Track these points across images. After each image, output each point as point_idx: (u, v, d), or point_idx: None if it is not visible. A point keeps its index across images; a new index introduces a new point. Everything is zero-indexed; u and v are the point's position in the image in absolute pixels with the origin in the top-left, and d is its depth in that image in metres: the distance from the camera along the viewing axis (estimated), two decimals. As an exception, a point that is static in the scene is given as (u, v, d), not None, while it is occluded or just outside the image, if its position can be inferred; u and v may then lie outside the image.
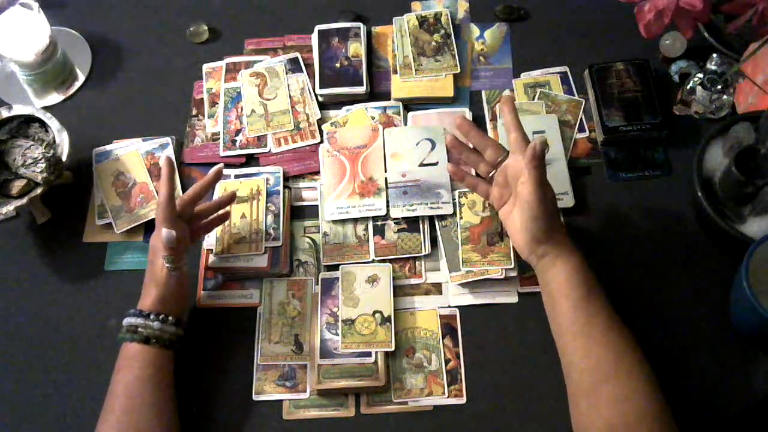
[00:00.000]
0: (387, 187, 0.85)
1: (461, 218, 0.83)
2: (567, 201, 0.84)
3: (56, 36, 0.98)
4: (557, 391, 0.70)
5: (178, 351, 0.75)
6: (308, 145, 0.90)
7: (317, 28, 0.96)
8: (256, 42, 0.99)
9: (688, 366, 0.76)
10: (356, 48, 0.95)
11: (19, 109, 0.86)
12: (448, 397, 0.76)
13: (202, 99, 0.94)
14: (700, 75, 0.85)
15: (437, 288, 0.82)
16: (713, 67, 0.86)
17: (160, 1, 1.04)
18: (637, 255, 0.82)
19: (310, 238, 0.85)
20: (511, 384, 0.76)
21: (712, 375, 0.75)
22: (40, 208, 0.86)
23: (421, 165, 0.86)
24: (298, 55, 0.95)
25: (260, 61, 0.96)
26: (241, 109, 0.92)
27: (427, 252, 0.82)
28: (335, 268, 0.82)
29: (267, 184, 0.86)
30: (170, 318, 0.73)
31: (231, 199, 0.83)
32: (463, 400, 0.76)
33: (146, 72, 0.98)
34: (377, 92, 0.94)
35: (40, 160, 0.81)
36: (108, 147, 0.91)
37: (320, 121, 0.91)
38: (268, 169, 0.88)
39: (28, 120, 0.86)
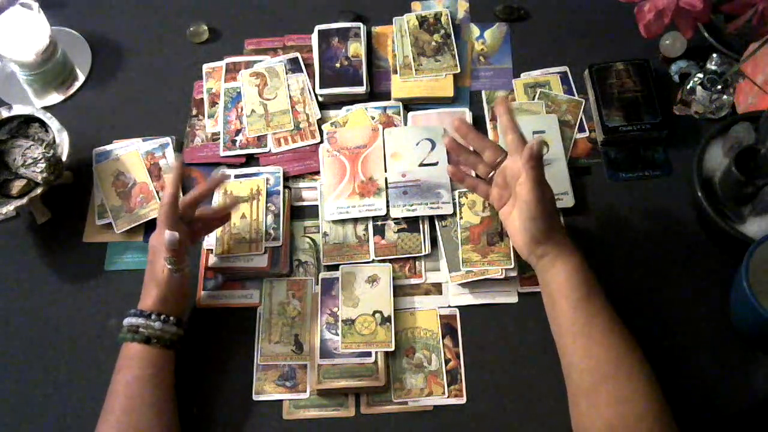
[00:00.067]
0: (387, 187, 0.85)
1: (461, 218, 0.83)
2: (567, 201, 0.84)
3: (56, 36, 0.98)
4: (557, 391, 0.70)
5: (178, 351, 0.75)
6: (308, 145, 0.90)
7: (317, 28, 0.96)
8: (256, 42, 0.99)
9: (688, 366, 0.76)
10: (356, 48, 0.95)
11: (19, 109, 0.86)
12: (448, 397, 0.76)
13: (202, 99, 0.94)
14: (700, 75, 0.85)
15: (437, 288, 0.82)
16: (713, 67, 0.86)
17: (160, 1, 1.04)
18: (637, 255, 0.82)
19: (310, 238, 0.85)
20: (511, 384, 0.76)
21: (712, 375, 0.75)
22: (40, 208, 0.86)
23: (421, 165, 0.86)
24: (298, 55, 0.95)
25: (260, 61, 0.96)
26: (241, 109, 0.92)
27: (427, 252, 0.82)
28: (335, 268, 0.82)
29: (267, 184, 0.87)
30: (171, 318, 0.73)
31: (233, 205, 0.82)
32: (463, 400, 0.76)
33: (146, 72, 0.98)
34: (377, 92, 0.94)
35: (40, 160, 0.81)
36: (108, 147, 0.91)
37: (320, 121, 0.91)
38: (268, 169, 0.88)
39: (28, 120, 0.86)
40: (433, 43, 0.95)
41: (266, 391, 0.77)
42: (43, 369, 0.80)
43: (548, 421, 0.73)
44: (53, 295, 0.84)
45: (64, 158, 0.84)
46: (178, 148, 0.91)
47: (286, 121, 0.91)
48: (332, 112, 0.93)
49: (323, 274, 0.82)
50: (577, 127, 0.89)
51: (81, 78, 0.99)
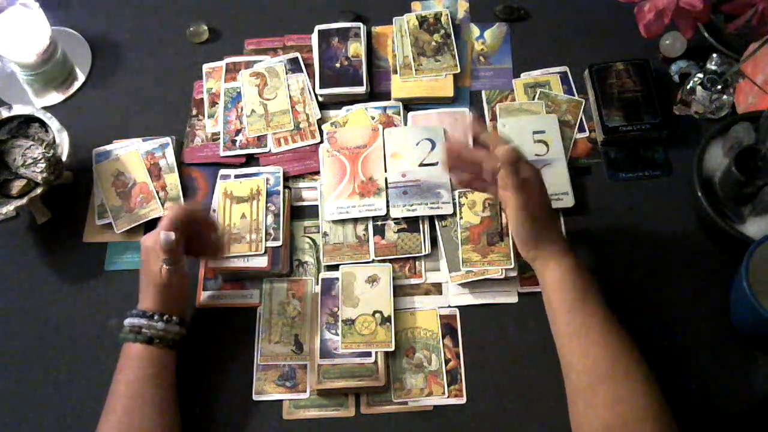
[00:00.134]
0: (387, 187, 0.85)
1: (461, 218, 0.83)
2: (567, 201, 0.84)
3: (56, 36, 0.98)
4: (557, 391, 0.70)
5: (180, 351, 0.75)
6: (308, 145, 0.90)
7: (317, 28, 0.96)
8: (256, 42, 0.99)
9: (688, 366, 0.76)
10: (356, 48, 0.95)
11: (19, 109, 0.86)
12: (448, 397, 0.76)
13: (202, 99, 0.94)
14: (700, 75, 0.85)
15: (437, 288, 0.82)
16: (713, 67, 0.86)
17: (160, 1, 1.04)
18: (637, 255, 0.82)
19: (310, 238, 0.85)
20: (511, 384, 0.76)
21: (712, 375, 0.75)
22: (40, 208, 0.86)
23: (421, 165, 0.86)
24: (298, 55, 0.95)
25: (260, 61, 0.96)
26: (241, 109, 0.92)
27: (427, 252, 0.82)
28: (335, 268, 0.82)
29: (267, 184, 0.86)
30: (174, 318, 0.73)
31: (223, 246, 0.80)
32: (463, 400, 0.76)
33: (146, 72, 0.98)
34: (377, 92, 0.94)
35: (40, 160, 0.81)
36: (108, 147, 0.91)
37: (320, 121, 0.91)
38: (268, 169, 0.88)
39: (28, 120, 0.86)
40: (433, 43, 0.95)
41: (266, 391, 0.77)
42: (43, 369, 0.80)
43: (548, 421, 0.73)
44: (53, 295, 0.84)
45: (64, 158, 0.84)
46: (178, 148, 0.91)
47: (286, 121, 0.91)
48: (332, 112, 0.93)
49: (323, 274, 0.82)
50: (577, 127, 0.89)
51: (81, 78, 0.99)
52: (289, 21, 1.00)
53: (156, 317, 0.72)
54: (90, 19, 1.03)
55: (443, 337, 0.79)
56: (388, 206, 0.84)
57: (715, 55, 0.87)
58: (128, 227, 0.86)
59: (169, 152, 0.90)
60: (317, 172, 0.89)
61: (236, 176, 0.88)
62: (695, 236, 0.82)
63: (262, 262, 0.82)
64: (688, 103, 0.87)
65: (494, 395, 0.76)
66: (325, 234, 0.84)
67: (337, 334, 0.78)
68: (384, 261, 0.82)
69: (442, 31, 0.96)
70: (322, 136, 0.90)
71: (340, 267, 0.82)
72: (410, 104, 0.92)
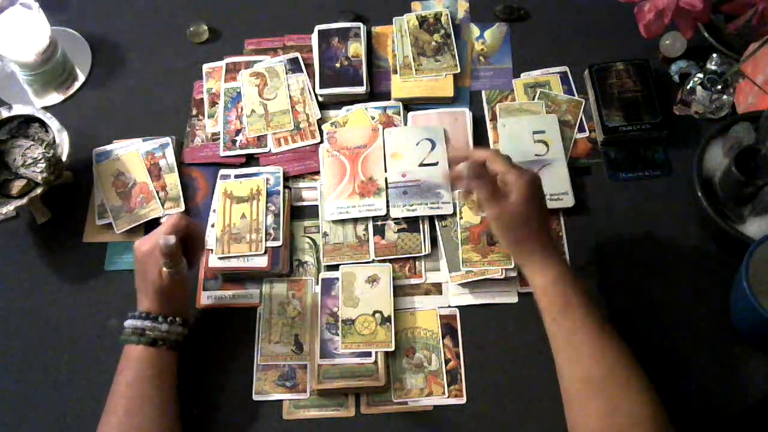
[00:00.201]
0: (387, 187, 0.85)
1: (461, 218, 0.83)
2: (567, 201, 0.84)
3: (56, 36, 0.98)
4: (557, 392, 0.70)
5: (180, 351, 0.75)
6: (308, 145, 0.90)
7: (317, 28, 0.96)
8: (256, 42, 0.99)
9: (688, 366, 0.76)
10: (356, 48, 0.95)
11: (19, 109, 0.86)
12: (448, 397, 0.76)
13: (202, 99, 0.94)
14: (700, 75, 0.85)
15: (437, 288, 0.82)
16: (713, 67, 0.86)
17: (160, 1, 1.04)
18: (637, 255, 0.82)
19: (310, 238, 0.85)
20: (511, 384, 0.76)
21: (712, 375, 0.75)
22: (40, 208, 0.86)
23: (421, 165, 0.86)
24: (298, 55, 0.95)
25: (260, 61, 0.96)
26: (241, 109, 0.92)
27: (427, 252, 0.82)
28: (335, 268, 0.82)
29: (267, 184, 0.86)
30: (177, 319, 0.73)
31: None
32: (463, 400, 0.76)
33: (146, 72, 0.98)
34: (377, 92, 0.94)
35: (40, 160, 0.81)
36: (108, 147, 0.91)
37: (320, 121, 0.91)
38: (268, 169, 0.88)
39: (28, 120, 0.86)
40: (433, 43, 0.95)
41: (266, 391, 0.77)
42: (43, 369, 0.80)
43: (548, 421, 0.73)
44: (53, 295, 0.84)
45: (64, 158, 0.84)
46: (178, 148, 0.91)
47: (286, 121, 0.91)
48: (332, 112, 0.93)
49: (323, 274, 0.82)
50: (577, 127, 0.89)
51: (81, 78, 0.99)
52: (289, 21, 1.00)
53: (160, 319, 0.72)
54: (90, 19, 1.03)
55: (443, 337, 0.79)
56: (388, 206, 0.84)
57: (715, 55, 0.87)
58: (128, 227, 0.86)
59: (169, 152, 0.90)
60: (317, 172, 0.89)
61: (236, 176, 0.88)
62: (695, 236, 0.82)
63: (262, 262, 0.82)
64: (688, 103, 0.87)
65: (494, 395, 0.76)
66: (325, 234, 0.84)
67: (337, 334, 0.78)
68: (384, 261, 0.82)
69: (442, 31, 0.96)
70: (322, 136, 0.90)
71: (340, 267, 0.82)
72: (410, 104, 0.92)
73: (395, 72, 0.93)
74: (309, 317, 0.80)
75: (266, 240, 0.83)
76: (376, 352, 0.77)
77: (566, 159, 0.86)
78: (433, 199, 0.84)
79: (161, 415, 0.71)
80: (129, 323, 0.73)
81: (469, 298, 0.81)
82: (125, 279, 0.84)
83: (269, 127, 0.91)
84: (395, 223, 0.84)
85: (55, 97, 0.97)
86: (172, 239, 0.70)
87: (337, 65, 0.94)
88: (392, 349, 0.77)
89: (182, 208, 0.87)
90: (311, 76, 0.94)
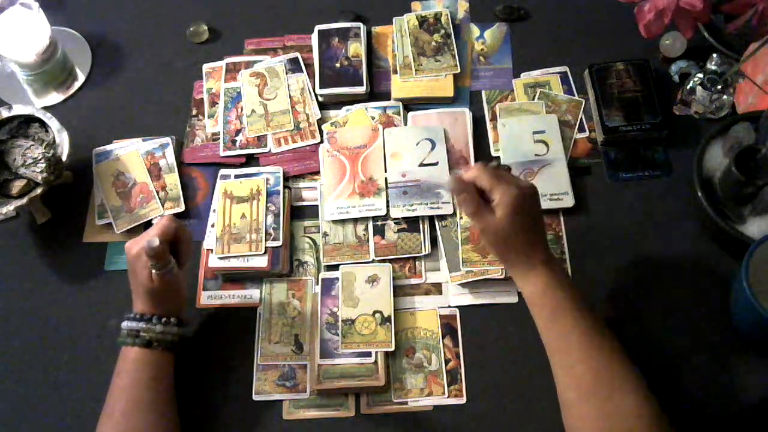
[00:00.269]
0: (387, 187, 0.85)
1: (461, 218, 0.83)
2: (567, 201, 0.84)
3: (56, 36, 0.98)
4: (556, 392, 0.70)
5: (178, 352, 0.75)
6: (308, 145, 0.90)
7: (317, 28, 0.96)
8: (256, 42, 0.99)
9: (688, 366, 0.76)
10: (356, 48, 0.95)
11: (19, 109, 0.86)
12: (448, 397, 0.76)
13: (202, 99, 0.94)
14: (700, 75, 0.85)
15: (437, 288, 0.82)
16: (713, 67, 0.86)
17: (160, 1, 1.04)
18: (637, 255, 0.82)
19: (310, 238, 0.85)
20: (511, 384, 0.76)
21: (712, 375, 0.75)
22: (40, 208, 0.86)
23: (421, 165, 0.86)
24: (298, 55, 0.95)
25: (260, 61, 0.96)
26: (241, 109, 0.92)
27: (427, 252, 0.82)
28: (335, 268, 0.82)
29: (267, 184, 0.86)
30: (172, 319, 0.73)
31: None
32: (463, 400, 0.76)
33: (146, 72, 0.98)
34: (377, 92, 0.94)
35: (40, 160, 0.81)
36: (108, 147, 0.91)
37: (320, 121, 0.91)
38: (268, 169, 0.88)
39: (28, 120, 0.86)
40: (433, 43, 0.95)
41: (266, 391, 0.77)
42: (43, 369, 0.80)
43: (548, 421, 0.73)
44: (53, 295, 0.84)
45: (64, 158, 0.84)
46: (178, 148, 0.91)
47: (286, 121, 0.91)
48: (332, 112, 0.93)
49: (323, 274, 0.82)
50: (577, 127, 0.89)
51: (81, 78, 0.99)
52: (289, 21, 1.00)
53: (154, 320, 0.72)
54: (90, 19, 1.03)
55: (443, 337, 0.79)
56: (388, 206, 0.84)
57: (715, 55, 0.87)
58: (128, 227, 0.86)
59: (169, 152, 0.90)
60: (317, 172, 0.89)
61: (236, 176, 0.88)
62: (695, 236, 0.82)
63: (262, 262, 0.82)
64: (688, 103, 0.87)
65: (494, 395, 0.76)
66: (325, 234, 0.84)
67: (337, 334, 0.78)
68: (384, 261, 0.82)
69: (442, 31, 0.96)
70: (322, 136, 0.90)
71: (340, 267, 0.82)
72: (410, 104, 0.92)
73: (395, 72, 0.93)
74: (309, 317, 0.80)
75: (266, 240, 0.83)
76: (376, 352, 0.77)
77: (566, 159, 0.86)
78: (433, 199, 0.84)
79: (159, 416, 0.71)
80: (124, 325, 0.73)
81: (469, 298, 0.81)
82: (125, 279, 0.83)
83: (269, 127, 0.91)
84: (395, 223, 0.84)
85: (55, 97, 0.97)
86: (156, 242, 0.69)
87: (337, 65, 0.94)
88: (392, 349, 0.77)
89: (182, 208, 0.87)
90: (311, 76, 0.94)
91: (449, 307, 0.81)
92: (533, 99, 0.91)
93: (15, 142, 0.84)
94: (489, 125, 0.91)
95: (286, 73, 0.94)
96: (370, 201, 0.85)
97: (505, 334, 0.79)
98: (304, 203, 0.87)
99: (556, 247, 0.82)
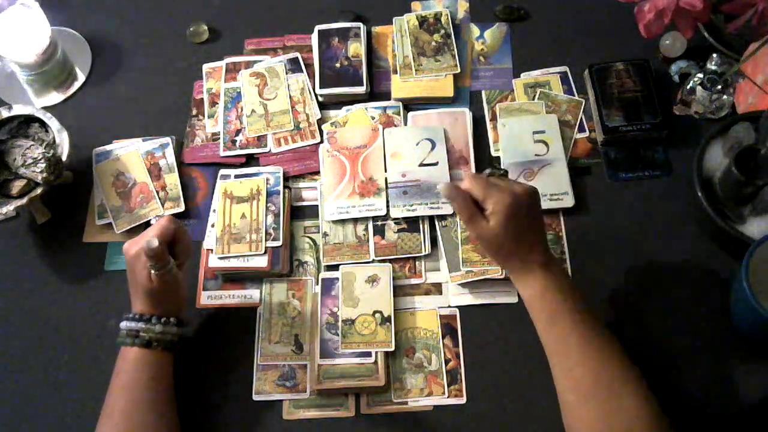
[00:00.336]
0: (387, 187, 0.85)
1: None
2: (567, 201, 0.84)
3: (56, 36, 0.98)
4: (556, 391, 0.70)
5: (178, 352, 0.75)
6: (308, 145, 0.90)
7: (317, 28, 0.96)
8: (256, 42, 0.99)
9: (688, 366, 0.76)
10: (356, 48, 0.95)
11: (19, 109, 0.86)
12: (448, 397, 0.76)
13: (202, 99, 0.94)
14: (700, 75, 0.85)
15: (437, 288, 0.82)
16: (713, 67, 0.86)
17: (160, 1, 1.04)
18: (637, 255, 0.82)
19: (310, 238, 0.85)
20: (511, 384, 0.76)
21: (712, 375, 0.75)
22: (40, 208, 0.86)
23: (421, 165, 0.86)
24: (298, 55, 0.95)
25: (260, 61, 0.96)
26: (241, 109, 0.92)
27: (427, 252, 0.82)
28: (335, 268, 0.82)
29: (267, 184, 0.86)
30: (172, 319, 0.73)
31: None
32: (463, 400, 0.76)
33: (146, 72, 0.98)
34: (377, 92, 0.94)
35: (40, 160, 0.81)
36: (108, 147, 0.91)
37: (320, 121, 0.91)
38: (268, 169, 0.88)
39: (28, 120, 0.86)
40: (433, 43, 0.95)
41: (266, 391, 0.77)
42: (43, 369, 0.80)
43: (548, 421, 0.73)
44: (53, 295, 0.84)
45: (64, 158, 0.84)
46: (178, 148, 0.91)
47: (286, 121, 0.91)
48: (332, 112, 0.93)
49: (323, 274, 0.82)
50: (577, 127, 0.89)
51: (81, 78, 0.99)
52: (289, 21, 1.00)
53: (153, 320, 0.72)
54: (90, 19, 1.03)
55: (443, 337, 0.79)
56: (388, 206, 0.84)
57: (715, 55, 0.87)
58: (128, 227, 0.86)
59: (169, 152, 0.90)
60: (317, 172, 0.89)
61: (236, 176, 0.88)
62: (695, 236, 0.82)
63: (262, 262, 0.82)
64: (688, 103, 0.87)
65: (494, 395, 0.76)
66: (325, 234, 0.84)
67: (337, 334, 0.78)
68: (384, 261, 0.82)
69: (442, 31, 0.96)
70: (322, 136, 0.90)
71: (340, 267, 0.82)
72: (410, 104, 0.92)
73: (395, 72, 0.93)
74: (309, 317, 0.80)
75: (266, 240, 0.83)
76: (376, 352, 0.77)
77: (566, 159, 0.86)
78: (433, 199, 0.84)
79: (158, 417, 0.71)
80: (123, 325, 0.73)
81: (469, 298, 0.81)
82: (125, 279, 0.83)
83: (269, 127, 0.91)
84: (395, 223, 0.84)
85: (55, 97, 0.97)
86: (155, 242, 0.69)
87: (337, 65, 0.94)
88: (392, 349, 0.77)
89: (182, 208, 0.87)
90: (311, 76, 0.94)
91: (449, 307, 0.81)
92: (533, 99, 0.91)
93: (15, 142, 0.84)
94: (489, 125, 0.91)
95: (286, 73, 0.94)
96: (370, 201, 0.85)
97: (505, 334, 0.79)
98: (304, 203, 0.88)
99: (556, 247, 0.82)
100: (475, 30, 0.98)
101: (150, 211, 0.87)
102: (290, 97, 0.93)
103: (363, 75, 0.93)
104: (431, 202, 0.84)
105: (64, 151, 0.84)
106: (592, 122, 0.90)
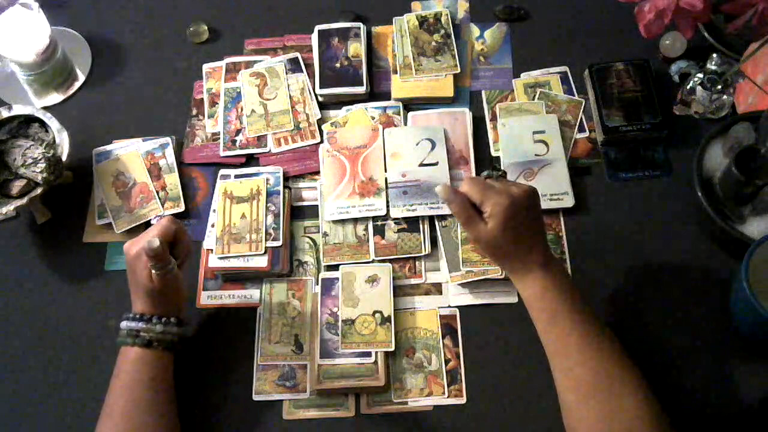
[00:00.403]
0: (387, 187, 0.85)
1: (461, 218, 0.83)
2: (567, 201, 0.84)
3: (56, 36, 0.98)
4: (557, 391, 0.70)
5: (178, 352, 0.75)
6: (308, 145, 0.90)
7: (317, 28, 0.96)
8: (256, 42, 0.99)
9: (688, 366, 0.76)
10: (356, 48, 0.95)
11: (19, 109, 0.86)
12: (448, 397, 0.76)
13: (202, 99, 0.94)
14: (700, 75, 0.85)
15: (437, 288, 0.82)
16: (713, 67, 0.85)
17: (160, 1, 1.04)
18: (637, 255, 0.82)
19: (310, 238, 0.85)
20: (511, 384, 0.76)
21: (712, 375, 0.75)
22: (40, 208, 0.86)
23: (421, 165, 0.86)
24: (298, 55, 0.95)
25: (260, 61, 0.96)
26: (241, 109, 0.92)
27: (427, 252, 0.82)
28: (335, 268, 0.82)
29: (267, 184, 0.86)
30: (172, 319, 0.73)
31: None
32: (463, 400, 0.76)
33: (146, 72, 0.98)
34: (377, 92, 0.94)
35: (40, 160, 0.81)
36: (108, 147, 0.91)
37: (320, 121, 0.91)
38: (268, 169, 0.88)
39: (28, 120, 0.86)
40: (433, 43, 0.95)
41: (266, 391, 0.77)
42: (43, 369, 0.80)
43: (548, 421, 0.73)
44: (53, 295, 0.84)
45: (64, 158, 0.84)
46: (178, 148, 0.91)
47: (286, 121, 0.91)
48: (332, 112, 0.93)
49: (323, 274, 0.82)
50: (577, 127, 0.89)
51: (81, 78, 0.99)
52: (289, 21, 1.00)
53: (154, 320, 0.72)
54: (90, 19, 1.03)
55: (443, 337, 0.79)
56: (388, 206, 0.84)
57: (715, 55, 0.87)
58: (128, 227, 0.86)
59: (169, 152, 0.90)
60: (317, 172, 0.89)
61: (236, 176, 0.88)
62: (695, 236, 0.82)
63: (262, 262, 0.82)
64: (688, 103, 0.87)
65: (494, 395, 0.76)
66: (325, 234, 0.84)
67: (337, 334, 0.78)
68: (384, 261, 0.82)
69: (442, 31, 0.96)
70: (322, 136, 0.90)
71: (340, 267, 0.82)
72: (410, 104, 0.92)
73: (395, 72, 0.93)
74: (309, 317, 0.80)
75: (266, 240, 0.83)
76: (376, 352, 0.77)
77: (566, 159, 0.87)
78: (433, 199, 0.84)
79: (158, 417, 0.70)
80: (124, 325, 0.73)
81: (469, 298, 0.81)
82: (125, 279, 0.83)
83: (269, 127, 0.91)
84: (395, 223, 0.84)
85: (55, 97, 0.97)
86: (156, 242, 0.69)
87: (337, 65, 0.94)
88: (392, 349, 0.77)
89: (182, 208, 0.87)
90: (311, 76, 0.94)
91: (449, 307, 0.81)
92: (533, 99, 0.91)
93: (15, 142, 0.84)
94: (489, 125, 0.91)
95: (286, 73, 0.94)
96: (370, 201, 0.85)
97: (505, 334, 0.79)
98: (304, 203, 0.88)
99: (556, 247, 0.82)
100: (475, 30, 0.98)
101: (150, 211, 0.87)
102: (290, 97, 0.93)
103: (363, 75, 0.93)
104: (431, 202, 0.84)
105: (64, 151, 0.84)
106: (592, 122, 0.90)
